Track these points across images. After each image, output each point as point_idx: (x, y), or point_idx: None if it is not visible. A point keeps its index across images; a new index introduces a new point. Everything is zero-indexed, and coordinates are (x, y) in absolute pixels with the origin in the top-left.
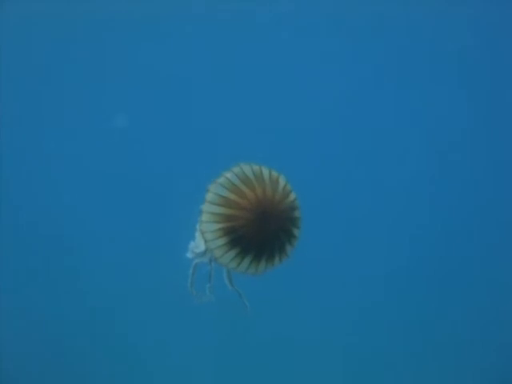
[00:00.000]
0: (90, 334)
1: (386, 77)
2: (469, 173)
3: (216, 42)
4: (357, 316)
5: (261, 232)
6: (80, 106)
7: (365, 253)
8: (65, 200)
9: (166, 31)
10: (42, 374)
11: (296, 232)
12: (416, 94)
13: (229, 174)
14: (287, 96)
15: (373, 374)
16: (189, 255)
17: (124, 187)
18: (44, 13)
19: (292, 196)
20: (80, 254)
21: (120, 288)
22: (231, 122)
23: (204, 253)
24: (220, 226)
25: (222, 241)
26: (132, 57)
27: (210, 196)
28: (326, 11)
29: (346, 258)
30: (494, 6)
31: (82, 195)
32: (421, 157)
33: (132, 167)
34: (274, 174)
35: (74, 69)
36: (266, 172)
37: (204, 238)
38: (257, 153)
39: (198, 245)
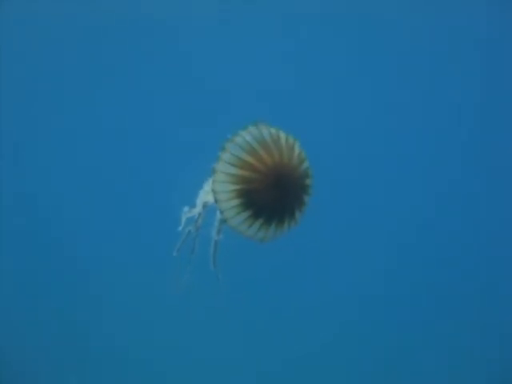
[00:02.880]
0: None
1: (399, 74)
2: (475, 175)
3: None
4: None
5: (274, 197)
6: (79, 105)
7: (366, 241)
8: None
9: (166, 28)
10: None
11: (306, 199)
12: (429, 94)
13: (247, 136)
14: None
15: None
16: (182, 218)
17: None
18: (43, 12)
19: (306, 163)
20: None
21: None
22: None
23: (197, 218)
24: (235, 187)
25: (236, 202)
26: (132, 55)
27: (226, 156)
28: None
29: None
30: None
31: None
32: (430, 156)
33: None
34: (291, 139)
35: (72, 69)
36: (283, 136)
37: (216, 198)
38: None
39: (196, 207)
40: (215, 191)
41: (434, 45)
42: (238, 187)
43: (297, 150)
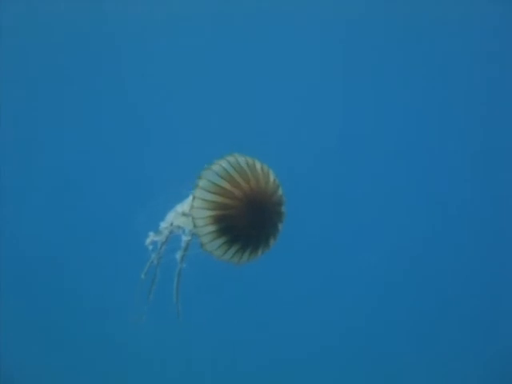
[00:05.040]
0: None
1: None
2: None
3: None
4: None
5: (251, 223)
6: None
7: (351, 254)
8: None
9: (162, 31)
10: None
11: (280, 226)
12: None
13: (223, 163)
14: (278, 94)
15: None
16: (148, 242)
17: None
18: (42, 13)
19: (280, 191)
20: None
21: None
22: (219, 119)
23: (160, 245)
24: (211, 213)
25: (212, 228)
26: (131, 55)
27: (203, 182)
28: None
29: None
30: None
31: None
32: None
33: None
34: (265, 167)
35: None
36: (258, 164)
37: (194, 224)
38: (244, 150)
39: (161, 232)
40: (192, 217)
41: (434, 46)
42: (214, 213)
43: (272, 177)
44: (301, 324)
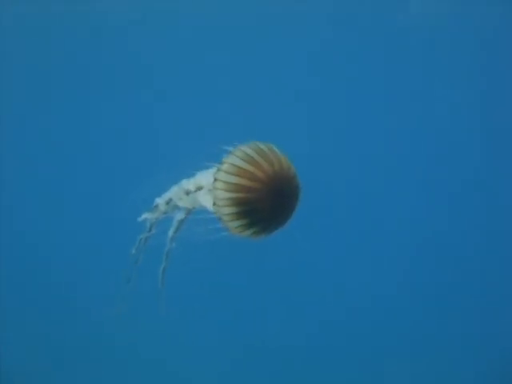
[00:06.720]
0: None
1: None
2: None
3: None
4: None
5: (272, 207)
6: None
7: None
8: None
9: (162, 28)
10: None
11: (296, 208)
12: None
13: (244, 148)
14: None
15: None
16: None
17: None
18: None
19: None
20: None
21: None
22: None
23: (152, 222)
24: (233, 195)
25: (231, 210)
26: (130, 56)
27: (225, 166)
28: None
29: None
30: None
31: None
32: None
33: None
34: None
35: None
36: (277, 150)
37: (212, 204)
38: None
39: (156, 209)
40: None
41: (433, 46)
42: (236, 195)
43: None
44: (300, 316)
